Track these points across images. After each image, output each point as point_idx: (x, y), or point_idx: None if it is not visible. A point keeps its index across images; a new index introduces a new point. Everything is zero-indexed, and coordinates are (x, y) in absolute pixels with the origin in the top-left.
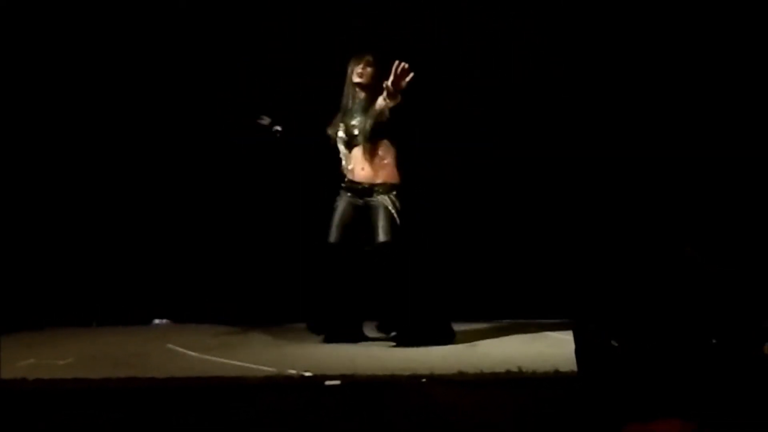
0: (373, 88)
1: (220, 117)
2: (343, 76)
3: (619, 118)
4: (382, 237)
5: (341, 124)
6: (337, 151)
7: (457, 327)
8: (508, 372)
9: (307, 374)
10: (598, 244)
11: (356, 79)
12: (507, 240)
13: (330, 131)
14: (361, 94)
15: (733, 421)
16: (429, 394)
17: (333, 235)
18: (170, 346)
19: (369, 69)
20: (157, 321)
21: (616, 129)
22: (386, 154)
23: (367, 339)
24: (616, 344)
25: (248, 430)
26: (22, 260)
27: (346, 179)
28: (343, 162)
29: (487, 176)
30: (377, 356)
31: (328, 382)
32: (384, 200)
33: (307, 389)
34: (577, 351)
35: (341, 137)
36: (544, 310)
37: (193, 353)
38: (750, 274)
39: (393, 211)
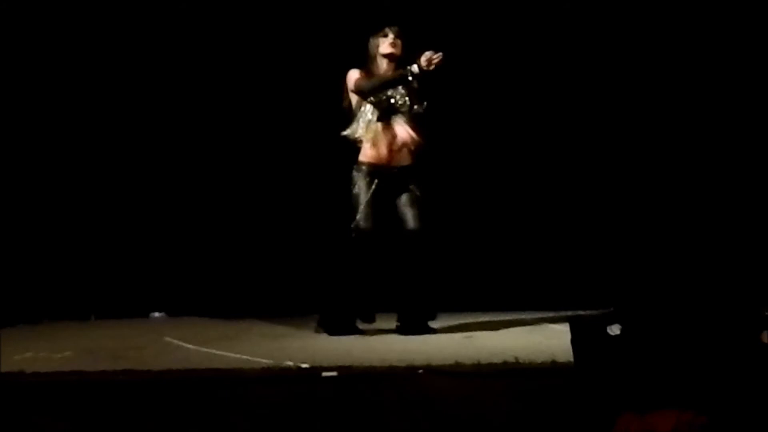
0: (401, 62)
1: (217, 109)
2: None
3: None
4: (413, 224)
5: (381, 94)
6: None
7: (455, 318)
8: (505, 363)
9: (304, 366)
10: (598, 234)
11: (389, 50)
12: (504, 230)
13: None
14: (392, 66)
15: (731, 411)
16: (426, 386)
17: (364, 221)
18: (168, 339)
19: (399, 40)
20: (154, 314)
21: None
22: (415, 136)
23: (361, 332)
24: (614, 334)
25: (245, 422)
26: (20, 254)
27: (366, 161)
28: (362, 135)
29: (484, 167)
30: (374, 348)
31: (325, 374)
32: (412, 184)
33: (304, 381)
34: (573, 341)
35: (384, 105)
36: (541, 302)
37: (190, 346)
38: (747, 261)
39: (420, 193)
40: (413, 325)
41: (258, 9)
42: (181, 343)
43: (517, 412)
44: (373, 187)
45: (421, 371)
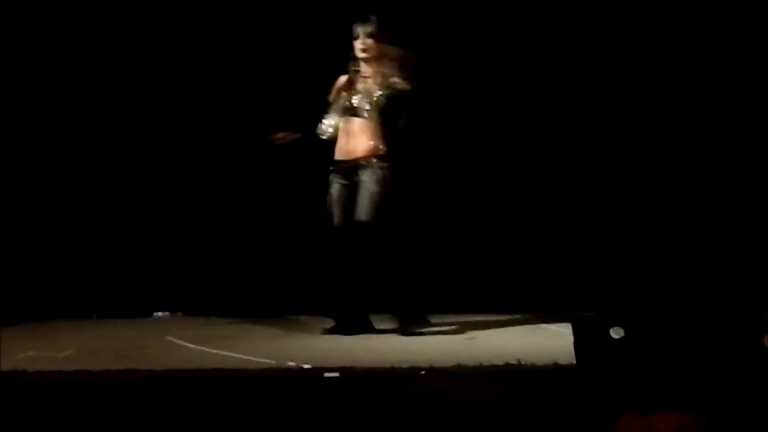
0: (377, 60)
1: (218, 110)
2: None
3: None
4: (360, 216)
5: (346, 94)
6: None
7: (456, 319)
8: (507, 364)
9: (307, 366)
10: (600, 236)
11: (359, 54)
12: (505, 231)
13: (332, 101)
14: (371, 65)
15: (733, 412)
16: (428, 386)
17: (334, 218)
18: (170, 338)
19: (370, 40)
20: (157, 314)
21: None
22: (379, 130)
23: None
24: (616, 336)
25: (247, 422)
26: (23, 253)
27: (335, 159)
28: (328, 135)
29: (484, 167)
30: (376, 348)
31: (327, 375)
32: (367, 176)
33: (306, 381)
34: (575, 343)
35: (346, 106)
36: (541, 303)
37: (192, 346)
38: (749, 264)
39: (377, 188)
40: (350, 323)
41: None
42: (183, 342)
43: (519, 413)
44: (335, 184)
45: (423, 372)
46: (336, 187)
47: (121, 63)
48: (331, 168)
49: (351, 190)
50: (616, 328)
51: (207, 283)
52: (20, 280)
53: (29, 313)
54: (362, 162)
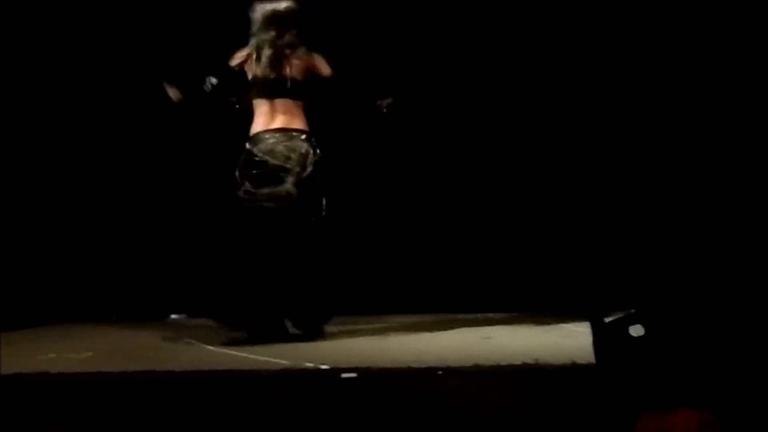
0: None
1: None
2: None
3: None
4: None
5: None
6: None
7: (470, 318)
8: (525, 364)
9: (324, 367)
10: (616, 233)
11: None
12: (520, 230)
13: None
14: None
15: (752, 411)
16: (445, 386)
17: None
18: (188, 340)
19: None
20: (173, 316)
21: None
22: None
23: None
24: (635, 334)
25: (264, 423)
26: (41, 256)
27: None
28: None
29: (502, 165)
30: (392, 349)
31: (344, 375)
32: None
33: (323, 382)
34: (594, 341)
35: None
36: (554, 301)
37: (209, 347)
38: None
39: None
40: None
41: None
42: (200, 344)
43: (537, 413)
44: None
45: (440, 372)
46: None
47: (128, 62)
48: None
49: None
50: (636, 325)
51: (223, 284)
52: (39, 284)
53: (48, 316)
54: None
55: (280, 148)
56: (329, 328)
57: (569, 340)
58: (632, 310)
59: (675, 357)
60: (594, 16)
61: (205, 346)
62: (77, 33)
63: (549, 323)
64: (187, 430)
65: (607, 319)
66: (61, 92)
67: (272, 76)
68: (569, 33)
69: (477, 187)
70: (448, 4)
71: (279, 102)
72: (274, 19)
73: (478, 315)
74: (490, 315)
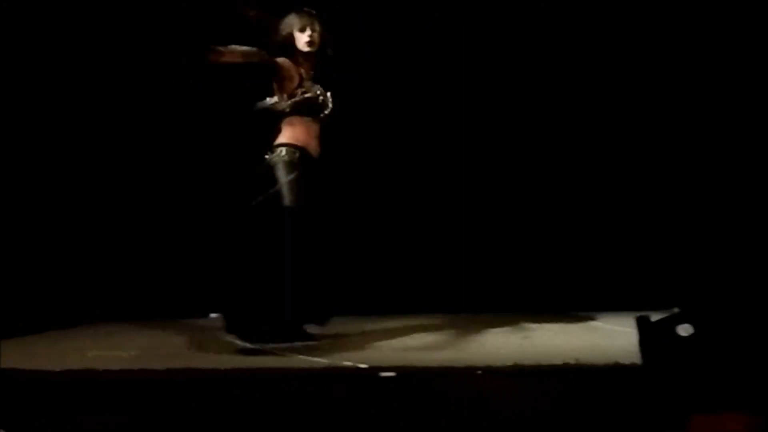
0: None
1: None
2: None
3: None
4: None
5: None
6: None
7: (507, 318)
8: (566, 364)
9: (362, 366)
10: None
11: (305, 48)
12: (559, 229)
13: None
14: (309, 62)
15: None
16: (485, 386)
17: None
18: (228, 338)
19: (316, 34)
20: (213, 315)
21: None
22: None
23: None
24: (685, 334)
25: (304, 421)
26: (85, 257)
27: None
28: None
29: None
30: (429, 348)
31: (383, 374)
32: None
33: (362, 381)
34: (640, 341)
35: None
36: (591, 301)
37: (250, 345)
38: None
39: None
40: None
41: None
42: (240, 342)
43: (579, 414)
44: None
45: (479, 372)
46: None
47: (122, 63)
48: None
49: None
50: (684, 325)
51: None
52: (84, 284)
53: (92, 315)
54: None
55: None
56: (367, 326)
57: (609, 340)
58: (676, 309)
59: (726, 357)
60: (577, 16)
61: (245, 344)
62: (77, 33)
63: (586, 323)
64: (228, 427)
65: (654, 318)
66: (61, 92)
67: (321, 99)
68: (552, 32)
69: (502, 185)
70: (431, 3)
71: (317, 125)
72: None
73: (513, 315)
74: (525, 315)
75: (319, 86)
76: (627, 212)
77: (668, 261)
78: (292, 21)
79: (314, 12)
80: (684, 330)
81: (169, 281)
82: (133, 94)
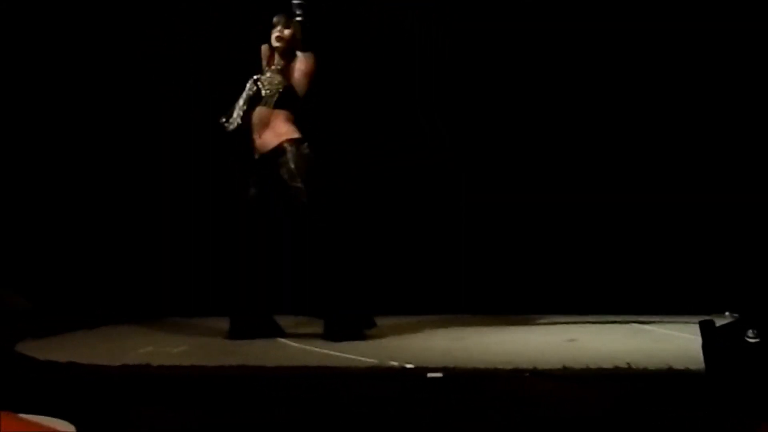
0: (286, 54)
1: None
2: None
3: None
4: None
5: (250, 83)
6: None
7: (555, 321)
8: (616, 367)
9: (409, 366)
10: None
11: (275, 43)
12: (606, 232)
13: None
14: (278, 58)
15: None
16: (533, 389)
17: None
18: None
19: (287, 32)
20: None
21: None
22: (289, 117)
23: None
24: (754, 339)
25: (350, 420)
26: (137, 256)
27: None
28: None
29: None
30: (474, 349)
31: (429, 375)
32: (285, 162)
33: (408, 381)
34: (704, 347)
35: (250, 95)
36: (640, 304)
37: (296, 344)
38: None
39: (301, 172)
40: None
41: None
42: (286, 341)
43: (630, 420)
44: (251, 186)
45: (527, 374)
46: (253, 189)
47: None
48: (246, 166)
49: (270, 187)
50: (751, 330)
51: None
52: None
53: (143, 312)
54: (277, 150)
55: None
56: (403, 325)
57: (661, 345)
58: (738, 315)
59: None
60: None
61: (291, 342)
62: (78, 33)
63: (631, 326)
64: (276, 424)
65: (718, 323)
66: (61, 92)
67: (253, 91)
68: (540, 27)
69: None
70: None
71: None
72: None
73: (560, 317)
74: (572, 317)
75: (277, 78)
76: (679, 213)
77: (717, 265)
78: (276, 16)
79: (299, 11)
80: (752, 335)
81: (191, 281)
82: (133, 94)
